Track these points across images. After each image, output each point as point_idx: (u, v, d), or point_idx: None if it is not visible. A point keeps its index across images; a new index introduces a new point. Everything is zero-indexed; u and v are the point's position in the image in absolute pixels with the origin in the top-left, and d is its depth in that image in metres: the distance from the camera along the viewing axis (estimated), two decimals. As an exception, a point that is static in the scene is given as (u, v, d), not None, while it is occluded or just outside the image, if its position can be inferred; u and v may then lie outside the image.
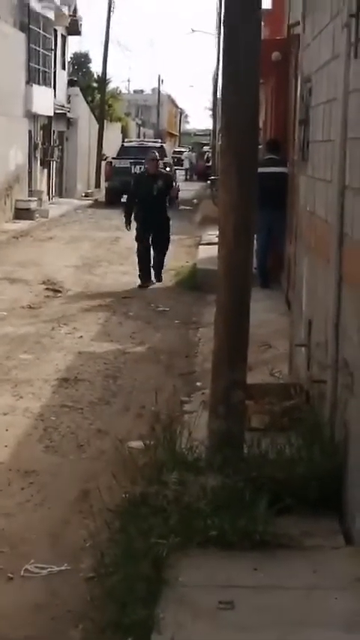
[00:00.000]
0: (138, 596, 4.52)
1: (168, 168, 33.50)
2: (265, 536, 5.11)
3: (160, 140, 50.05)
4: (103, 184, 38.91)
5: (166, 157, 34.88)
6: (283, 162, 14.35)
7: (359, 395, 5.18)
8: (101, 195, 38.99)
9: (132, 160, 32.94)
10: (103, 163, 40.32)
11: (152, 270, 16.93)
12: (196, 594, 4.61)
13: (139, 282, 16.63)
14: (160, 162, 31.26)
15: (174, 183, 18.49)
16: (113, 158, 36.98)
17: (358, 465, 5.20)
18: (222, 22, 6.39)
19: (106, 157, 40.59)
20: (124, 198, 17.89)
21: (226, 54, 6.26)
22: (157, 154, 18.08)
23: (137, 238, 16.93)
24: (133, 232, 17.15)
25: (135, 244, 17.07)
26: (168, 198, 17.73)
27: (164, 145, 41.38)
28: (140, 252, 16.84)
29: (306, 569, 4.91)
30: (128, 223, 17.24)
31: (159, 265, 17.19)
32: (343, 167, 5.90)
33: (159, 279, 17.05)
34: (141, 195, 16.89)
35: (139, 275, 16.71)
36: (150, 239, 16.91)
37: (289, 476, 5.55)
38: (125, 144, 40.16)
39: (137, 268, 16.83)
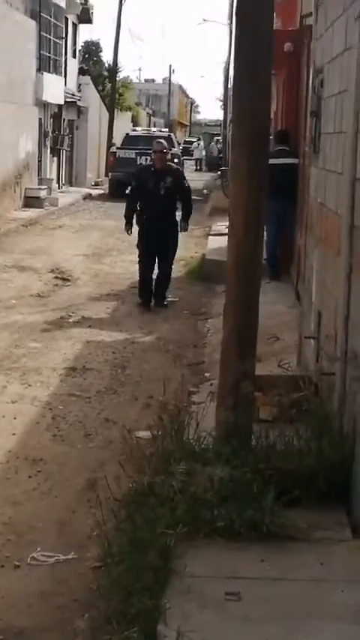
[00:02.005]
0: (144, 585, 4.52)
1: (176, 160, 33.11)
2: (272, 527, 5.12)
3: (167, 129, 48.91)
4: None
5: (174, 147, 34.13)
6: (294, 153, 14.32)
7: (368, 388, 5.17)
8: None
9: (137, 151, 31.76)
10: (108, 153, 38.59)
11: (153, 289, 13.97)
12: (202, 585, 4.61)
13: (138, 300, 13.94)
14: (169, 152, 30.40)
15: (185, 183, 14.31)
16: (117, 148, 35.40)
17: (366, 457, 5.19)
18: (235, 11, 6.36)
19: (111, 146, 39.13)
20: (128, 190, 14.64)
21: (239, 44, 6.24)
22: (165, 144, 14.38)
23: (140, 248, 14.11)
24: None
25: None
26: (179, 200, 14.18)
27: (172, 134, 39.80)
28: (143, 263, 13.99)
29: (313, 561, 4.91)
30: (130, 226, 14.17)
31: (162, 283, 14.06)
32: (354, 159, 5.89)
33: (160, 302, 13.85)
34: (144, 195, 13.80)
35: (139, 292, 14.00)
36: (154, 248, 13.93)
37: (297, 468, 5.55)
38: (130, 133, 38.16)
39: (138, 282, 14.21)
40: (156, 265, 14.10)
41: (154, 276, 14.05)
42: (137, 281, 14.32)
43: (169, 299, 14.15)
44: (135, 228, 14.14)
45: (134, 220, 14.10)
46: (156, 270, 14.08)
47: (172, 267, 14.39)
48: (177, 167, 14.90)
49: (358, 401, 5.49)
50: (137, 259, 14.24)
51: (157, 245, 13.90)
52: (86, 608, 4.95)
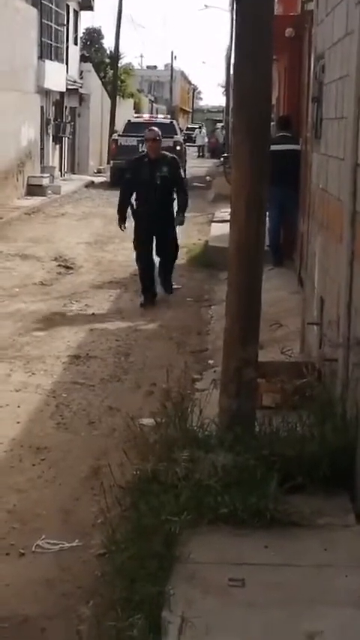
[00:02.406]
0: (148, 572, 4.53)
1: (179, 147, 32.62)
2: (276, 514, 5.12)
3: (169, 116, 48.06)
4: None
5: (176, 134, 33.38)
6: (296, 139, 14.29)
7: (371, 373, 5.18)
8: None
9: (139, 138, 31.17)
10: (109, 141, 37.70)
11: (158, 280, 13.56)
12: (206, 571, 4.62)
13: (141, 299, 13.19)
14: (171, 140, 29.60)
15: (181, 172, 13.75)
16: (119, 135, 34.22)
17: (369, 443, 5.20)
18: (235, -2, 6.35)
19: (113, 134, 38.20)
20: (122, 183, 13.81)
21: (239, 30, 6.23)
22: (158, 132, 13.48)
23: (136, 243, 13.39)
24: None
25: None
26: (175, 186, 13.32)
27: (174, 121, 38.37)
28: (141, 262, 13.32)
29: (317, 547, 4.92)
30: (123, 221, 13.35)
31: (166, 273, 13.65)
32: (355, 144, 5.88)
33: (168, 289, 13.63)
34: (140, 186, 13.01)
35: (142, 291, 13.27)
36: (153, 243, 13.37)
37: (301, 454, 5.55)
38: (132, 120, 36.40)
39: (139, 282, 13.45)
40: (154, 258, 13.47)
41: (157, 265, 13.47)
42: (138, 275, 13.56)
43: (173, 286, 14.13)
44: (130, 224, 13.42)
45: (130, 214, 13.29)
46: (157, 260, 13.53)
47: (178, 252, 13.93)
48: (172, 156, 13.63)
49: (361, 387, 5.49)
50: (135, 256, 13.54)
51: (156, 238, 13.26)
52: (91, 595, 4.96)
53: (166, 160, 13.20)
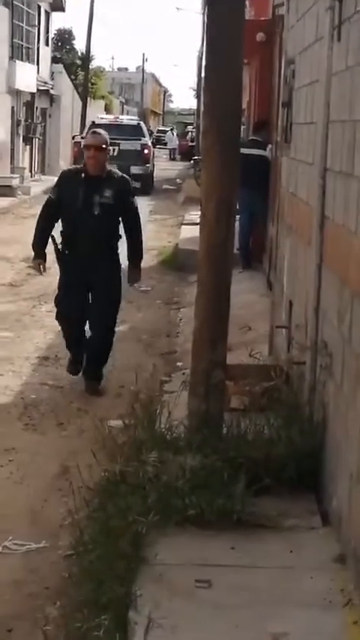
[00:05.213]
0: (116, 573, 4.55)
1: (146, 150, 32.26)
2: (242, 515, 5.16)
3: (137, 117, 46.65)
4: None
5: (144, 136, 32.84)
6: (264, 144, 14.33)
7: (337, 376, 5.22)
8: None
9: None
10: (71, 143, 35.47)
11: (85, 360, 9.06)
12: (173, 573, 4.65)
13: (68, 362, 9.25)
14: (138, 142, 28.41)
15: (133, 200, 8.86)
16: (82, 137, 29.66)
17: (335, 445, 5.24)
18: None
19: (74, 136, 35.76)
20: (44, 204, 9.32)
21: (209, 33, 6.26)
22: (105, 137, 8.86)
23: (58, 297, 9.19)
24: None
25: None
26: (122, 220, 8.80)
27: (141, 123, 36.07)
28: (64, 321, 9.16)
29: (283, 549, 4.96)
30: (41, 258, 9.12)
31: (97, 355, 9.02)
32: (324, 150, 5.92)
33: (92, 378, 8.96)
34: (68, 216, 8.74)
35: (69, 361, 9.23)
36: (83, 301, 8.92)
37: (268, 456, 5.59)
38: (97, 121, 31.87)
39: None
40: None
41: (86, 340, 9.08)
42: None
43: (141, 288, 14.05)
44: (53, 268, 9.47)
45: (53, 249, 9.12)
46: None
47: (115, 330, 9.24)
48: (122, 175, 8.90)
49: (328, 390, 5.54)
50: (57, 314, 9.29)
51: (87, 288, 8.90)
52: (58, 596, 4.97)
53: (112, 180, 8.71)
